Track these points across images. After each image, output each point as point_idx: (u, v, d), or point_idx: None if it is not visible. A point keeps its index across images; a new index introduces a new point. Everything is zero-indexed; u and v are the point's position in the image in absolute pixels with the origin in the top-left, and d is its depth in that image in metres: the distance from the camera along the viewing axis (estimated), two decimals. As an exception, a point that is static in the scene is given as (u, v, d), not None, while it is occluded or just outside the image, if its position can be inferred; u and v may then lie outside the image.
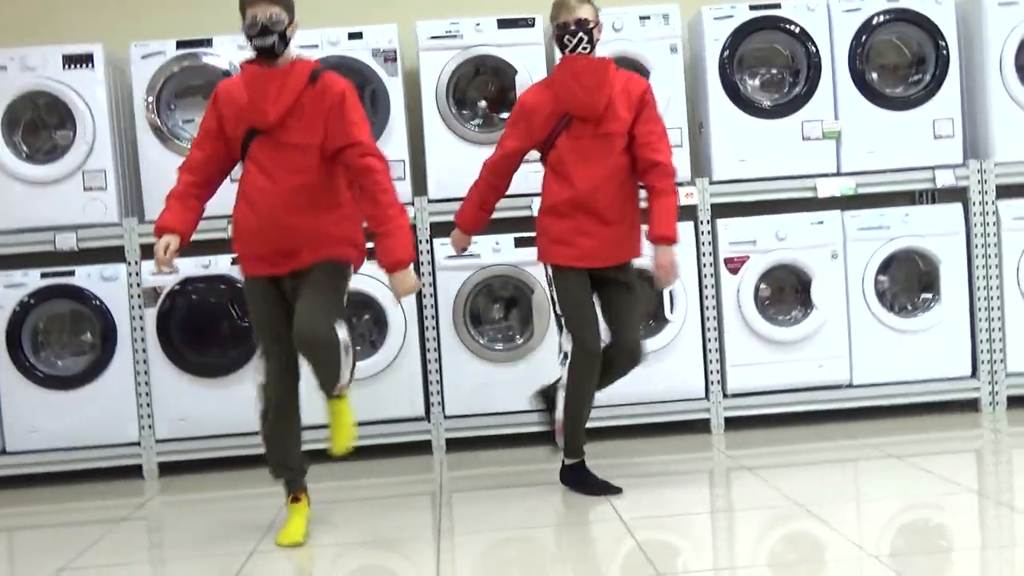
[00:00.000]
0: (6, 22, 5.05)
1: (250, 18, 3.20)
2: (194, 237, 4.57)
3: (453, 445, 4.67)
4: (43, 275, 4.53)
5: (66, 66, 4.53)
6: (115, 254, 4.59)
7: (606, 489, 3.68)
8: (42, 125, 4.72)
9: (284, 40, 3.24)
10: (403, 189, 4.62)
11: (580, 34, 3.50)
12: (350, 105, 3.30)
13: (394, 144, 4.62)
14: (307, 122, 3.27)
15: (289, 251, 3.31)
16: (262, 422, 3.45)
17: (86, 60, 4.54)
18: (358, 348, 3.61)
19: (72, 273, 4.53)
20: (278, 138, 3.28)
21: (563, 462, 3.77)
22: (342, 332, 3.29)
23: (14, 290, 4.51)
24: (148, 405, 4.57)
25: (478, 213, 3.87)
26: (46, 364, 4.61)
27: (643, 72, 4.65)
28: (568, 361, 3.62)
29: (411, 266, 3.36)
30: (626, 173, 3.64)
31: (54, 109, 4.64)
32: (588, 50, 3.53)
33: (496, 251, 4.59)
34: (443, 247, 4.58)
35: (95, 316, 4.56)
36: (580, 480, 3.73)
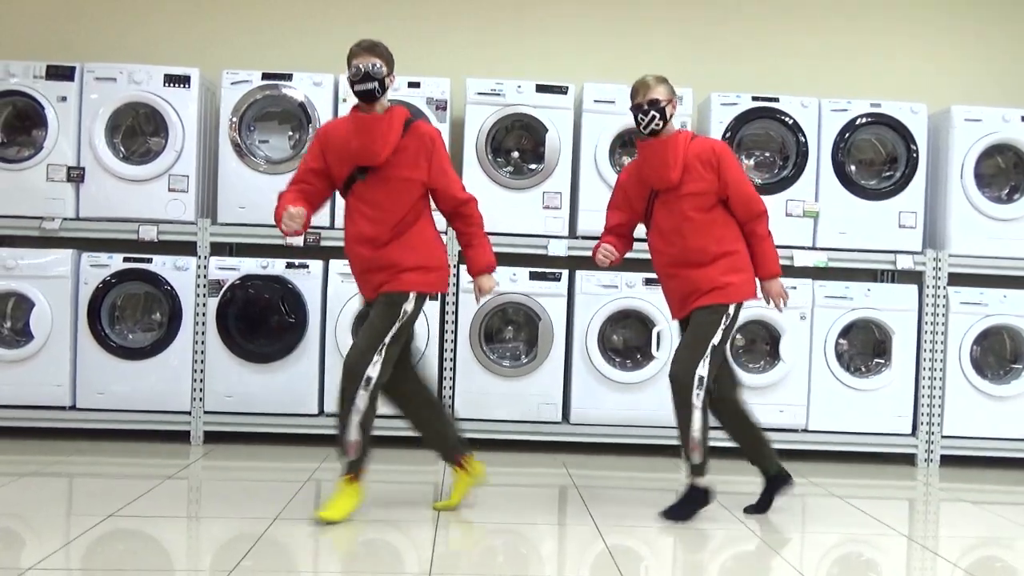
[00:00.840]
0: (119, 41, 5.10)
1: (354, 68, 3.24)
2: (255, 241, 4.67)
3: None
4: (125, 259, 4.56)
5: (166, 84, 4.58)
6: (188, 248, 4.62)
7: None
8: (139, 131, 4.77)
9: (383, 87, 3.27)
10: (439, 221, 4.64)
11: (652, 112, 3.38)
12: (439, 148, 3.37)
13: (436, 181, 4.65)
14: (411, 158, 3.32)
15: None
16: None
17: (184, 80, 4.60)
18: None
19: (150, 260, 4.57)
20: (386, 173, 3.30)
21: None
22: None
23: (99, 269, 4.54)
24: (201, 380, 4.58)
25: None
26: (119, 336, 4.63)
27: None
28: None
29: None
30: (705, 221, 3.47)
31: (151, 119, 4.69)
32: (660, 127, 3.40)
33: (513, 281, 4.60)
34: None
35: (165, 299, 4.58)
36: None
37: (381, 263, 3.32)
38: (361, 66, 3.23)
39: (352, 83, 3.26)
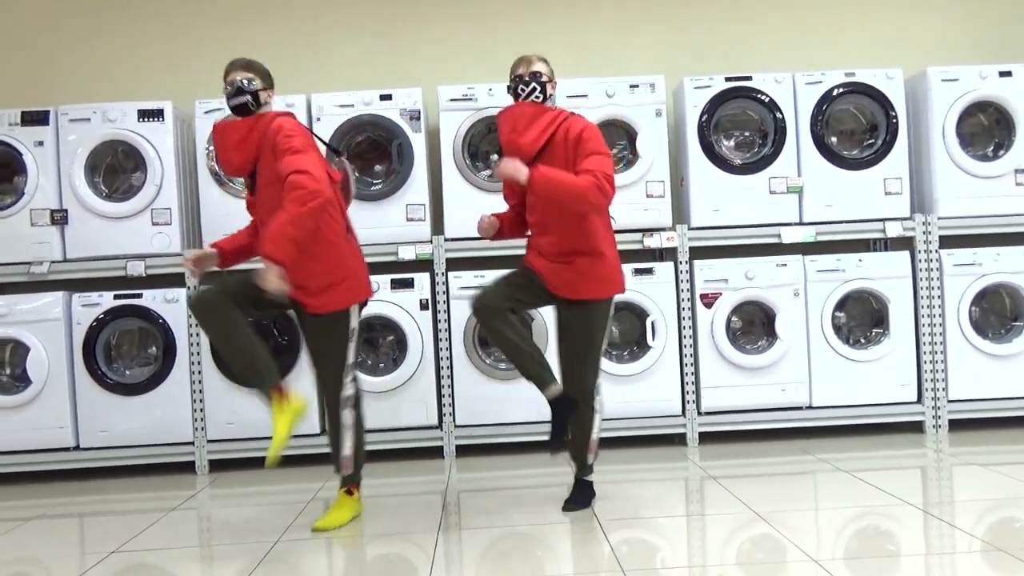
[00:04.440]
0: (90, 79, 5.00)
1: (227, 84, 3.22)
2: (242, 267, 4.54)
3: (462, 451, 4.52)
4: (116, 296, 4.45)
5: (140, 119, 4.47)
6: (177, 280, 4.51)
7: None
8: (119, 168, 4.65)
9: (257, 100, 3.21)
10: (423, 229, 4.53)
11: (533, 84, 3.23)
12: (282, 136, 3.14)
13: (416, 190, 4.53)
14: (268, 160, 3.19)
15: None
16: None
17: (158, 114, 4.48)
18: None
19: (140, 295, 4.45)
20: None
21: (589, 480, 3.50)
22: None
23: (91, 308, 4.43)
24: (201, 410, 4.45)
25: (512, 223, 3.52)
26: (116, 373, 4.51)
27: (631, 133, 4.55)
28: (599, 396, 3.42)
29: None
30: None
31: (129, 155, 4.57)
32: (540, 100, 3.25)
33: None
34: (456, 279, 4.47)
35: (159, 333, 4.46)
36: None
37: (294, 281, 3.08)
38: (235, 82, 3.19)
39: (227, 99, 3.21)
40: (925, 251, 4.59)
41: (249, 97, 3.19)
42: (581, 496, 3.43)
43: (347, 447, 3.29)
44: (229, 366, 3.44)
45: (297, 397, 3.17)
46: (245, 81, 3.19)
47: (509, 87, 3.30)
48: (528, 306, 3.50)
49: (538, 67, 3.26)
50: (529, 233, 3.45)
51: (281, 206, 2.99)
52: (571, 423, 3.33)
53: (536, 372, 3.26)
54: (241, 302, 3.15)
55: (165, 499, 3.98)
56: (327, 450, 4.41)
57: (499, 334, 3.25)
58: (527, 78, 3.24)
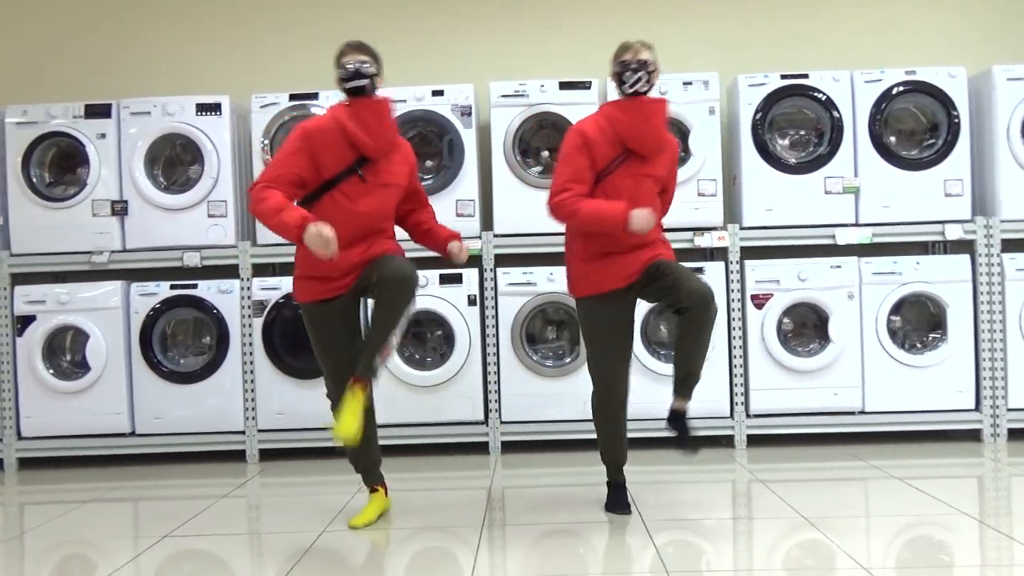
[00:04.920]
0: (150, 72, 5.11)
1: (343, 66, 3.12)
2: (293, 259, 4.60)
3: (507, 447, 4.52)
4: (172, 286, 4.53)
5: (199, 112, 4.55)
6: (231, 271, 4.57)
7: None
8: (177, 161, 4.74)
9: (374, 85, 3.15)
10: (472, 225, 4.53)
11: (641, 73, 3.09)
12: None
13: (466, 186, 4.54)
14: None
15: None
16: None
17: (215, 108, 4.56)
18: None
19: (195, 286, 4.53)
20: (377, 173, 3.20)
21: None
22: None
23: (148, 298, 4.53)
24: (252, 400, 4.52)
25: None
26: (171, 361, 4.60)
27: (684, 130, 4.50)
28: None
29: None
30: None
31: (187, 148, 4.66)
32: (646, 91, 3.13)
33: (550, 280, 4.44)
34: (505, 275, 4.48)
35: (212, 323, 4.54)
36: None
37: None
38: (350, 64, 3.10)
39: (341, 81, 3.12)
40: (986, 254, 4.46)
41: (367, 81, 3.11)
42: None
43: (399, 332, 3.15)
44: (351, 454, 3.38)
45: (384, 497, 3.36)
46: (362, 64, 3.10)
47: (613, 74, 3.16)
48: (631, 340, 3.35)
49: (646, 55, 3.11)
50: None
51: (387, 212, 3.21)
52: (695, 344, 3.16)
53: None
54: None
55: (216, 486, 4.05)
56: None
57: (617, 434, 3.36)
58: (635, 66, 3.09)
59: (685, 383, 3.21)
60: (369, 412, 3.20)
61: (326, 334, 3.22)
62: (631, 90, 3.13)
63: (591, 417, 3.40)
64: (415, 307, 3.23)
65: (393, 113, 3.22)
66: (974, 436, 4.49)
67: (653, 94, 3.18)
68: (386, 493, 3.40)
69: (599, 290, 3.21)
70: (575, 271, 3.31)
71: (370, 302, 3.29)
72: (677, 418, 3.25)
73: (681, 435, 3.25)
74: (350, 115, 3.13)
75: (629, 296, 3.24)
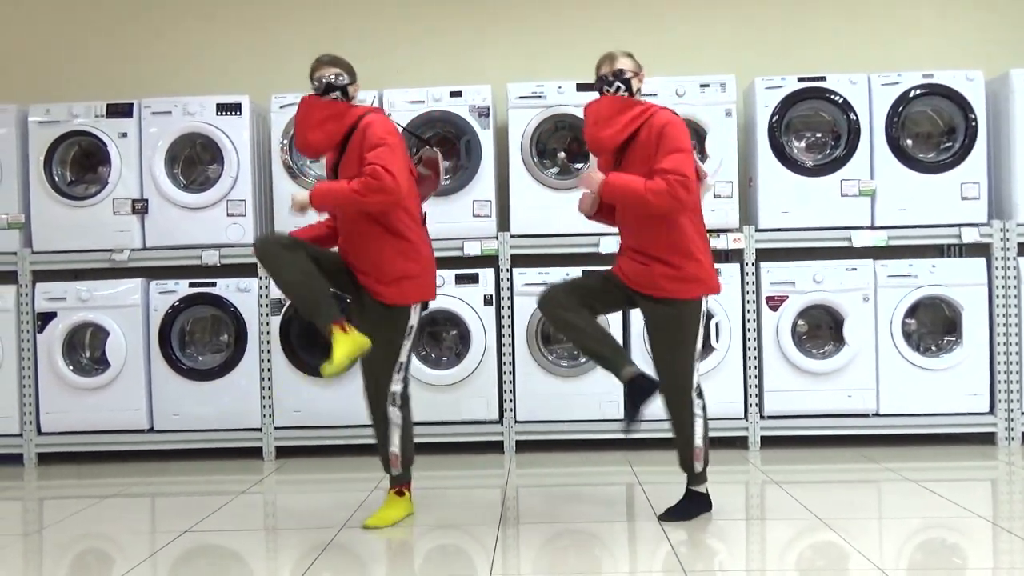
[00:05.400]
0: (171, 73, 5.17)
1: (315, 80, 3.24)
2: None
3: (522, 446, 4.55)
4: (191, 284, 4.59)
5: (219, 112, 4.60)
6: (250, 270, 4.60)
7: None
8: (197, 161, 4.80)
9: (346, 95, 3.25)
10: (489, 225, 4.57)
11: (617, 83, 3.16)
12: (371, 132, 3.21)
13: (483, 186, 4.57)
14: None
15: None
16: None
17: (235, 108, 4.61)
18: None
19: (214, 284, 4.58)
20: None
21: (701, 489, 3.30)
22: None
23: (167, 296, 4.58)
24: (269, 398, 4.57)
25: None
26: (189, 359, 4.66)
27: (700, 133, 4.52)
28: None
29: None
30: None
31: (207, 148, 4.71)
32: (626, 96, 3.18)
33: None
34: (521, 276, 4.51)
35: (231, 321, 4.59)
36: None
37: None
38: (323, 78, 3.22)
39: (317, 96, 3.23)
40: (1002, 258, 4.46)
41: (339, 93, 3.23)
42: (684, 507, 3.25)
43: (395, 444, 3.27)
44: (293, 302, 3.42)
45: (359, 334, 3.11)
46: (333, 76, 3.22)
47: (595, 86, 3.24)
48: (599, 312, 3.35)
49: (621, 63, 3.18)
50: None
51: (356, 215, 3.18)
52: (672, 425, 3.25)
53: (608, 354, 3.20)
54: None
55: (234, 483, 4.09)
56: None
57: (564, 321, 3.21)
58: (610, 78, 3.18)
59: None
60: (407, 409, 3.34)
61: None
62: None
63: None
64: (273, 282, 3.29)
65: (336, 115, 3.22)
66: (988, 440, 4.49)
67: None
68: (410, 497, 3.40)
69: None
70: (706, 266, 3.23)
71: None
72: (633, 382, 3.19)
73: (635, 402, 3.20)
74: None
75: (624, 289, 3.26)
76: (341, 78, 3.24)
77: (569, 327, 3.22)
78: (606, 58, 3.23)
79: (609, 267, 3.32)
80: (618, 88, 3.18)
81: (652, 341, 3.30)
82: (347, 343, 3.04)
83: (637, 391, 3.15)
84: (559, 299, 3.21)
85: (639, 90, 3.23)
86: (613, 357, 3.20)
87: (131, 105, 4.63)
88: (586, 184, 3.22)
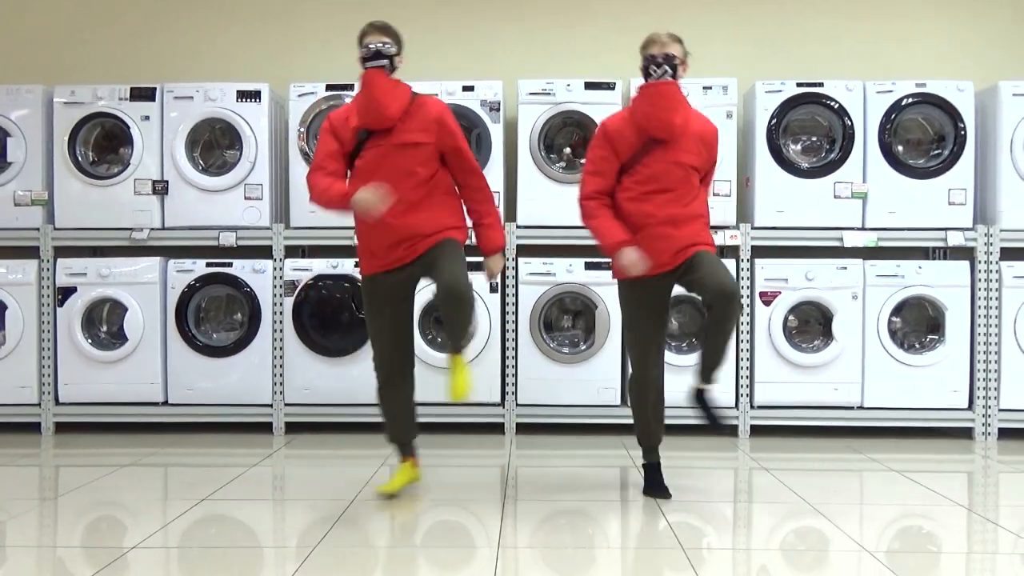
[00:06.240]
0: (193, 59, 5.27)
1: (364, 46, 3.20)
2: (326, 243, 4.77)
3: (522, 428, 4.69)
4: (207, 264, 4.69)
5: (239, 99, 4.70)
6: (265, 252, 4.72)
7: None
8: (216, 145, 4.90)
9: (393, 65, 3.23)
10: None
11: (666, 67, 3.13)
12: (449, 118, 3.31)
13: (492, 178, 4.59)
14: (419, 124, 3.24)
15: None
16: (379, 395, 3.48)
17: (255, 95, 4.71)
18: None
19: (230, 264, 4.69)
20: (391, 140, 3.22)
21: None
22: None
23: (184, 274, 4.69)
24: (281, 375, 4.69)
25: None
26: (204, 336, 4.77)
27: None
28: None
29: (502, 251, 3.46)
30: (695, 188, 3.28)
31: (227, 133, 4.81)
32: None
33: (569, 272, 4.61)
34: (526, 264, 4.65)
35: (245, 300, 4.70)
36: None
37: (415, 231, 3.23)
38: (372, 44, 3.19)
39: (363, 60, 3.19)
40: (986, 261, 4.62)
41: (387, 61, 3.19)
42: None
43: (474, 327, 3.45)
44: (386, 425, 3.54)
45: (414, 468, 3.49)
46: (383, 44, 3.19)
47: (640, 66, 3.19)
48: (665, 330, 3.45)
49: (672, 48, 3.14)
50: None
51: (410, 170, 3.19)
52: (722, 334, 3.24)
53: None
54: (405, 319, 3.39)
55: (245, 456, 4.20)
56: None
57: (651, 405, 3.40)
58: (659, 59, 3.13)
59: (708, 370, 3.33)
60: (410, 389, 3.44)
61: (373, 312, 3.37)
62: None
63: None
64: (475, 313, 3.37)
65: (385, 83, 3.20)
66: (966, 434, 4.66)
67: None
68: (415, 465, 3.54)
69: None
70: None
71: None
72: (699, 397, 3.35)
73: (706, 414, 3.35)
74: (358, 92, 3.28)
75: (664, 283, 3.28)
76: (389, 47, 3.21)
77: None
78: (656, 38, 3.18)
79: (632, 290, 3.30)
80: (665, 72, 3.13)
81: (704, 270, 3.18)
82: (407, 476, 3.44)
83: (701, 404, 3.36)
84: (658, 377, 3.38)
85: (681, 78, 3.20)
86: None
87: (154, 89, 4.72)
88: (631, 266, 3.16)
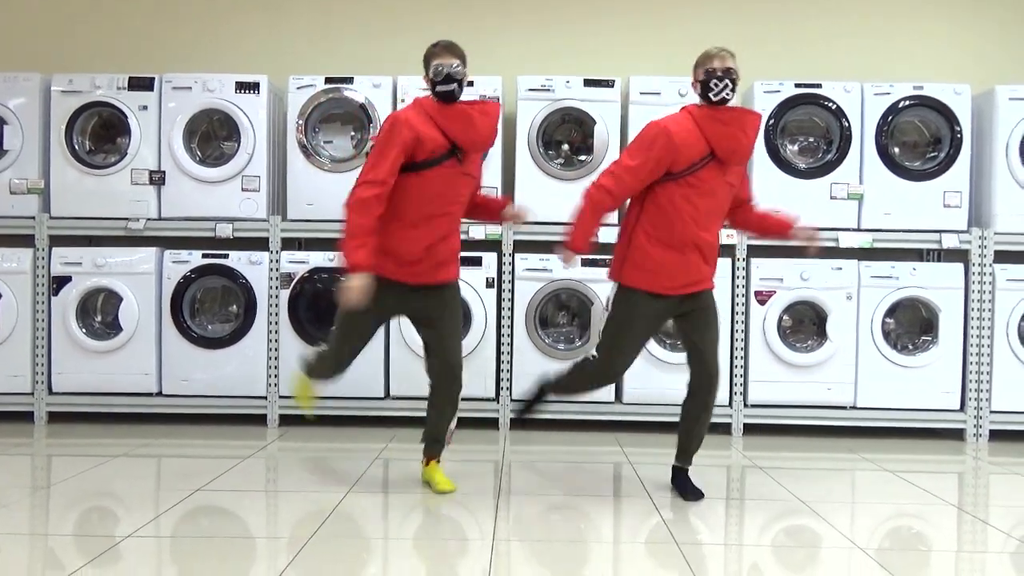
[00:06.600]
0: (192, 50, 5.25)
1: (435, 67, 3.14)
2: (323, 236, 4.76)
3: (515, 423, 4.69)
4: (203, 255, 4.68)
5: (237, 91, 4.68)
6: (261, 243, 4.71)
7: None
8: (214, 136, 4.88)
9: (461, 88, 3.17)
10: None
11: (727, 81, 3.11)
12: None
13: (490, 174, 4.67)
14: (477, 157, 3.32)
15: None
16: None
17: (254, 87, 4.69)
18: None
19: (226, 256, 4.68)
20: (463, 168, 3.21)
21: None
22: None
23: (180, 265, 4.67)
24: (275, 367, 4.68)
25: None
26: (199, 327, 4.75)
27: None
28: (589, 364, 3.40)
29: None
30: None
31: (224, 124, 4.80)
32: (731, 98, 3.16)
33: (566, 268, 4.60)
34: (523, 260, 4.64)
35: (241, 292, 4.69)
36: None
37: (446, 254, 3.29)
38: (443, 67, 3.12)
39: (434, 83, 3.13)
40: (979, 264, 4.64)
41: (456, 85, 3.14)
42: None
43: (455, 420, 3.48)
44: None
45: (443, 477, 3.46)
46: (456, 67, 3.13)
47: (698, 82, 3.16)
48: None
49: (732, 63, 3.14)
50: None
51: (464, 199, 3.25)
52: (704, 417, 3.39)
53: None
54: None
55: (239, 448, 4.20)
56: (390, 413, 4.65)
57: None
58: (720, 74, 3.11)
59: (686, 451, 3.43)
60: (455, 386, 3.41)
61: (360, 312, 3.26)
62: (717, 98, 3.14)
63: (574, 371, 3.49)
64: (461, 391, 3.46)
65: (492, 116, 3.24)
66: (958, 435, 4.68)
67: (735, 102, 3.23)
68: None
69: (651, 287, 3.22)
70: (638, 253, 3.23)
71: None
72: (679, 476, 3.44)
73: (683, 491, 3.41)
74: (442, 115, 3.16)
75: (670, 306, 3.26)
76: (460, 69, 3.15)
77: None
78: (715, 55, 3.14)
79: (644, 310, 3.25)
80: (726, 87, 3.12)
81: (706, 332, 3.29)
82: (438, 476, 3.43)
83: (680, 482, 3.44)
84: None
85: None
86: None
87: (152, 79, 4.71)
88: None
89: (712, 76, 3.12)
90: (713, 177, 3.19)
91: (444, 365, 3.33)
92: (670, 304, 3.26)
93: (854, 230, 4.67)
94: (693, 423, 3.38)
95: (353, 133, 4.83)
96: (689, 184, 3.16)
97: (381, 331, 4.61)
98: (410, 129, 3.12)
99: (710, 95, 3.15)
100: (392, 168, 3.10)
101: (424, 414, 3.52)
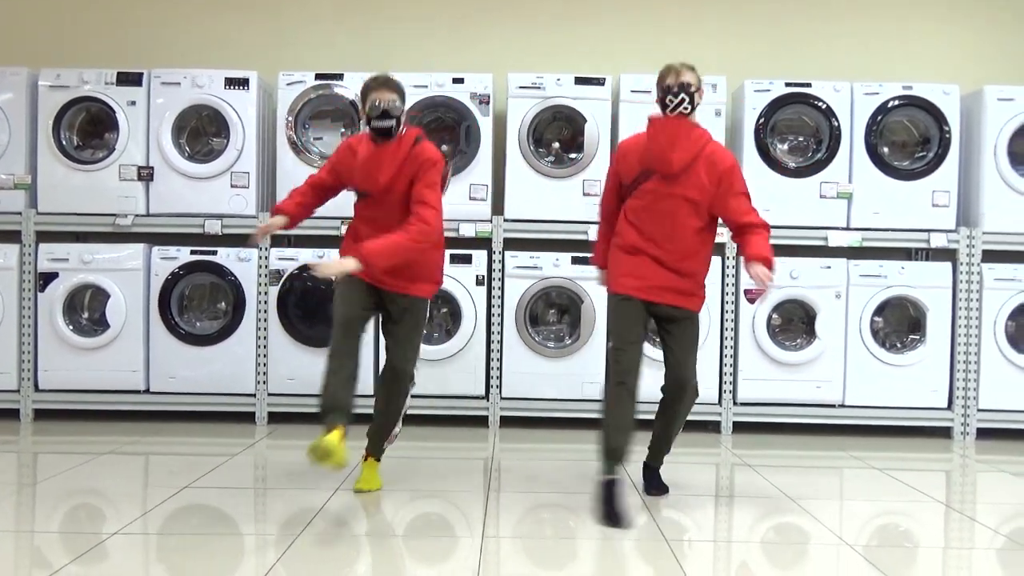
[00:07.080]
0: (183, 46, 5.21)
1: (371, 103, 3.13)
2: (312, 233, 4.74)
3: (505, 422, 4.69)
4: (192, 252, 4.66)
5: (227, 86, 4.66)
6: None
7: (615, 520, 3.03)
8: (203, 132, 4.86)
9: (399, 124, 3.17)
10: (484, 209, 4.68)
11: (682, 95, 3.12)
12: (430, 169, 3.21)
13: (480, 171, 4.68)
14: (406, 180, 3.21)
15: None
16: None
17: (243, 83, 4.67)
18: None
19: (215, 252, 4.65)
20: (384, 198, 3.23)
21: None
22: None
23: (168, 262, 4.65)
24: (264, 364, 4.66)
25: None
26: (188, 324, 4.73)
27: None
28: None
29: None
30: (695, 232, 3.22)
31: (214, 120, 4.78)
32: (688, 111, 3.15)
33: (556, 266, 4.61)
34: (513, 258, 4.64)
35: (229, 289, 4.67)
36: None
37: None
38: (379, 102, 3.12)
39: (370, 118, 3.14)
40: (967, 263, 4.66)
41: (394, 122, 3.15)
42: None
43: (398, 427, 3.44)
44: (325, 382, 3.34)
45: (343, 452, 3.09)
46: (392, 104, 3.13)
47: (657, 98, 3.19)
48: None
49: (687, 77, 3.14)
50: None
51: (399, 215, 3.17)
52: (677, 422, 3.38)
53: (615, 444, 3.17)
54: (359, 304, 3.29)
55: (227, 445, 4.18)
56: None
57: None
58: (675, 89, 3.13)
59: (656, 453, 3.44)
60: (355, 359, 3.29)
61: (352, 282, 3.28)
62: (674, 112, 3.16)
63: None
64: (409, 400, 3.44)
65: (404, 154, 3.19)
66: (945, 434, 4.70)
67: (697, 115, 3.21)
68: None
69: (622, 289, 3.24)
70: (611, 261, 3.32)
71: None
72: (647, 471, 3.45)
73: (647, 487, 3.42)
74: (370, 152, 3.21)
75: (640, 308, 3.24)
76: (398, 105, 3.15)
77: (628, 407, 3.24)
78: (671, 70, 3.17)
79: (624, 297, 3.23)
80: (682, 101, 3.13)
81: (681, 339, 3.28)
82: (336, 450, 3.04)
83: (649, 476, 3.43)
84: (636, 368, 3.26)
85: (697, 106, 3.19)
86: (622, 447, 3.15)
87: (141, 74, 4.68)
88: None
89: (668, 92, 3.16)
90: (657, 189, 3.17)
91: (389, 366, 3.41)
92: (639, 306, 3.23)
93: (843, 229, 4.69)
94: (662, 429, 3.41)
95: (343, 130, 4.82)
96: (636, 197, 3.22)
97: (371, 330, 4.61)
98: (335, 158, 3.38)
99: (666, 110, 3.18)
100: (319, 176, 3.43)
101: (410, 412, 3.53)
